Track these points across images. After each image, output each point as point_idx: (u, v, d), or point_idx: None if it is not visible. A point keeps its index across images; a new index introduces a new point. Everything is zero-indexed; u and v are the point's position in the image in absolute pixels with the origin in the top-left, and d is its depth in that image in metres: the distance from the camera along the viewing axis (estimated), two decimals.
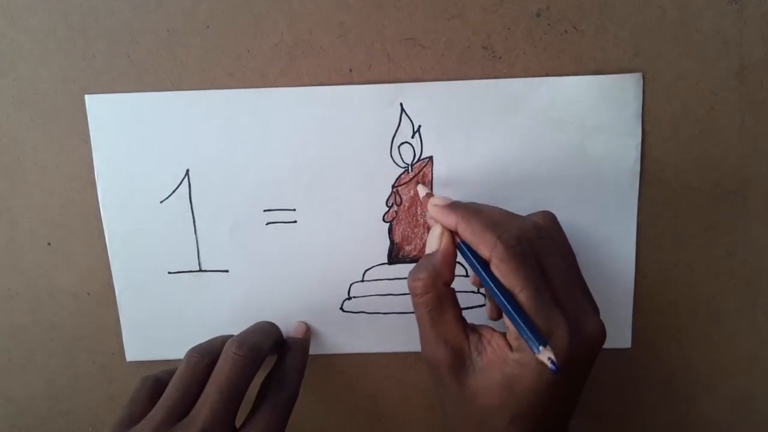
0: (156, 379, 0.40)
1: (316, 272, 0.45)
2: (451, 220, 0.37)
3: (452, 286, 0.37)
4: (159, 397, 0.38)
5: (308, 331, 0.46)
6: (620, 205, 0.44)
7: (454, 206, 0.38)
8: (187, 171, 0.44)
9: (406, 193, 0.44)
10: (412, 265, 0.44)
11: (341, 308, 0.46)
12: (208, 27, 0.42)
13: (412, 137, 0.43)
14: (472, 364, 0.36)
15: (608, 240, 0.44)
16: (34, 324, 0.47)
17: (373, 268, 0.45)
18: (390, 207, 0.44)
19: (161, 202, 0.44)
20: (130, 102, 0.43)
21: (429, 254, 0.38)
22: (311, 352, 0.46)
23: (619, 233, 0.44)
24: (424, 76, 0.43)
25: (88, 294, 0.46)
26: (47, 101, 0.43)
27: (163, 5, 0.42)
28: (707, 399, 0.48)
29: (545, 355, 0.31)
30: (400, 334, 0.46)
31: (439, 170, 0.43)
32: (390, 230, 0.45)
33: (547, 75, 0.42)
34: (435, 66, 0.42)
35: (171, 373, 0.39)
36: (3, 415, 0.49)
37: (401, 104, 0.43)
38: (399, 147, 0.43)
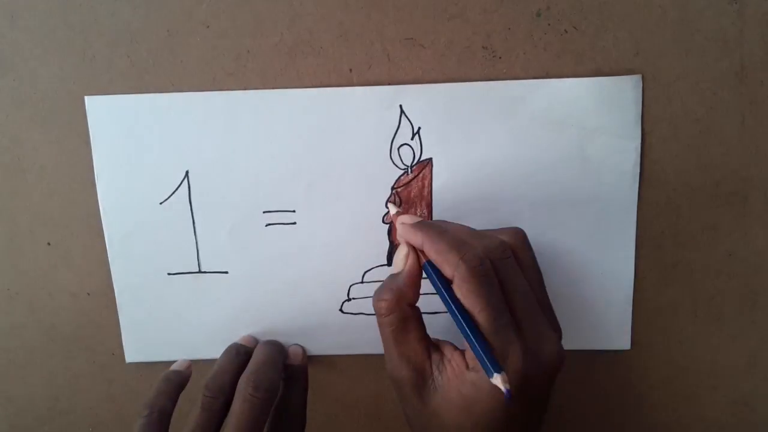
0: (161, 411, 0.40)
1: (316, 273, 0.45)
2: (417, 238, 0.37)
3: (420, 303, 0.38)
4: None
5: (305, 356, 0.46)
6: (619, 206, 0.44)
7: (421, 225, 0.38)
8: (187, 172, 0.44)
9: (405, 195, 0.44)
10: None
11: (341, 309, 0.46)
12: (208, 27, 0.42)
13: (412, 139, 0.43)
14: (433, 383, 0.36)
15: (607, 242, 0.44)
16: (34, 324, 0.47)
17: (373, 270, 0.45)
18: (389, 209, 0.44)
19: (161, 203, 0.44)
20: (130, 103, 0.43)
21: (394, 274, 0.38)
22: (311, 352, 0.46)
23: (618, 235, 0.44)
24: (424, 76, 0.43)
25: (88, 294, 0.46)
26: (47, 101, 0.43)
27: (162, 5, 0.42)
28: (707, 400, 0.48)
29: (499, 381, 0.32)
30: None
31: (438, 172, 0.43)
32: (390, 232, 0.45)
33: (547, 75, 0.42)
34: (435, 66, 0.42)
35: (168, 396, 0.40)
36: (3, 415, 0.49)
37: (401, 106, 0.43)
38: (399, 149, 0.43)
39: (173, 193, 0.44)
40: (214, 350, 0.46)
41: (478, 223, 0.41)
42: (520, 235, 0.38)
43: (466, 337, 0.33)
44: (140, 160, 0.44)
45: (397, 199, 0.44)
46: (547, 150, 0.43)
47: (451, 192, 0.43)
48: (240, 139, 0.43)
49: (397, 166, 0.43)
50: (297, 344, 0.47)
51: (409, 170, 0.44)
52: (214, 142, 0.43)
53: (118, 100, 0.43)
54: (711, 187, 0.44)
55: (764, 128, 0.43)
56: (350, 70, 0.43)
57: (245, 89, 0.43)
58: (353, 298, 0.46)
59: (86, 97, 0.43)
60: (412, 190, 0.44)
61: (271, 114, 0.43)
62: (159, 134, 0.43)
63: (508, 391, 0.31)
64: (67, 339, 0.47)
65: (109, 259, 0.45)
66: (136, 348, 0.47)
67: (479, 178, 0.43)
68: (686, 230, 0.45)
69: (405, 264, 0.37)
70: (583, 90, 0.42)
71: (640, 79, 0.42)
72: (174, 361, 0.46)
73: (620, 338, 0.46)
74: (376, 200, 0.44)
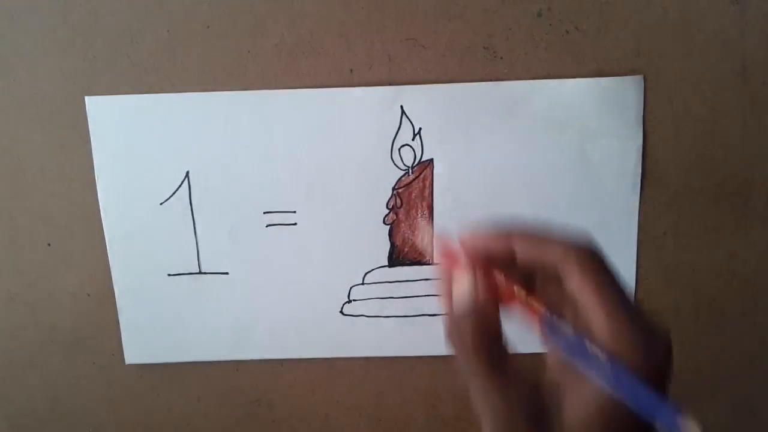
0: None
1: (316, 275, 0.45)
2: (500, 242, 0.30)
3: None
4: None
5: None
6: (621, 207, 0.44)
7: (502, 227, 0.31)
8: (187, 173, 0.44)
9: (406, 196, 0.44)
10: (412, 268, 0.44)
11: (341, 311, 0.46)
12: (208, 27, 0.42)
13: (413, 140, 0.43)
14: (555, 406, 0.29)
15: (609, 243, 0.43)
16: (34, 325, 0.47)
17: (374, 271, 0.45)
18: (390, 209, 0.44)
19: (161, 204, 0.44)
20: (131, 104, 0.43)
21: (467, 316, 0.30)
22: (311, 355, 0.46)
23: (620, 236, 0.44)
24: (425, 76, 0.42)
25: (88, 295, 0.46)
26: (47, 102, 0.43)
27: (163, 6, 0.42)
28: (709, 400, 0.48)
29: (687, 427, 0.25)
30: (400, 338, 0.46)
31: (439, 173, 0.43)
32: (390, 233, 0.44)
33: (548, 75, 0.42)
34: (436, 66, 0.42)
35: None
36: (3, 416, 0.49)
37: (401, 107, 0.42)
38: (399, 149, 0.43)
39: (174, 193, 0.44)
40: (214, 351, 0.46)
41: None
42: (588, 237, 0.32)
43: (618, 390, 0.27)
44: (140, 160, 0.44)
45: (398, 200, 0.44)
46: (548, 150, 0.43)
47: (451, 193, 0.43)
48: (240, 139, 0.43)
49: (397, 166, 0.43)
50: None
51: (410, 171, 0.43)
52: (215, 142, 0.43)
53: (119, 101, 0.43)
54: (713, 188, 0.44)
55: (766, 129, 0.43)
56: (351, 70, 0.42)
57: (246, 89, 0.42)
58: (354, 300, 0.46)
59: (87, 98, 0.43)
60: (412, 191, 0.44)
61: (271, 114, 0.43)
62: (159, 135, 0.43)
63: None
64: (68, 340, 0.47)
65: (110, 260, 0.45)
66: (136, 349, 0.47)
67: (480, 178, 0.43)
68: (688, 231, 0.45)
69: (473, 294, 0.30)
70: (585, 91, 0.42)
71: (642, 79, 0.42)
72: (173, 363, 0.46)
73: None
74: (377, 201, 0.44)
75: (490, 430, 0.30)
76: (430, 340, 0.46)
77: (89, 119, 0.43)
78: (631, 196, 0.44)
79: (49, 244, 0.45)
